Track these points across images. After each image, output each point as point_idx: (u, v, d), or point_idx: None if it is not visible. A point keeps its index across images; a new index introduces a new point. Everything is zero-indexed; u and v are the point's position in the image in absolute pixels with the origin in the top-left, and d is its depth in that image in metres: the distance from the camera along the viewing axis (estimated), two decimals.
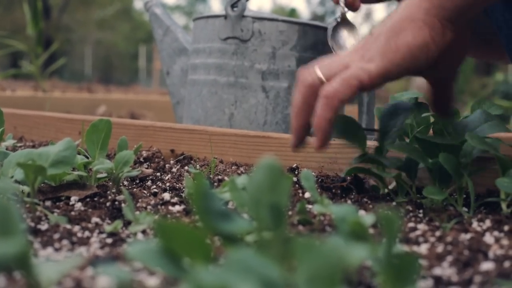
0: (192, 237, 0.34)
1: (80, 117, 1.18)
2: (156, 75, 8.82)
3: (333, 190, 0.74)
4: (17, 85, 4.51)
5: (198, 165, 0.93)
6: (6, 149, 0.88)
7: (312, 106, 0.64)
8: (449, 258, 0.48)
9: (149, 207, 0.65)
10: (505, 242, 0.53)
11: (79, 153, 0.76)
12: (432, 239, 0.54)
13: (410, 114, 0.74)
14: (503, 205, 0.65)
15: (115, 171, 0.72)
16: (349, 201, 0.69)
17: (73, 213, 0.62)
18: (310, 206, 0.65)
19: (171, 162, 0.95)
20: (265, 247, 0.36)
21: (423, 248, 0.51)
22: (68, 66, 18.28)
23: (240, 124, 1.15)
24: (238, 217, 0.40)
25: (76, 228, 0.57)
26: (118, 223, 0.56)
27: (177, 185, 0.77)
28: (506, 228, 0.58)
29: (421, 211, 0.65)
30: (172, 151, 1.02)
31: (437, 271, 0.44)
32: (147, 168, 0.89)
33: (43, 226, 0.56)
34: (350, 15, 1.01)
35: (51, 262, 0.35)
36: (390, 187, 0.74)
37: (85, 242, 0.52)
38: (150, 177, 0.83)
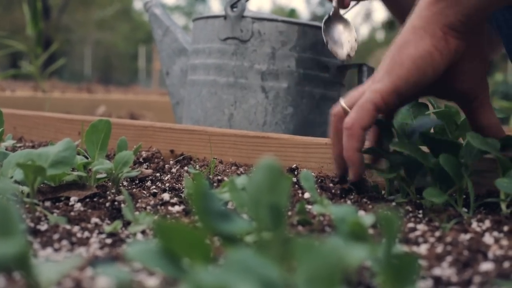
0: (191, 237, 0.34)
1: (80, 117, 1.18)
2: (156, 76, 8.83)
3: (333, 191, 0.74)
4: (16, 85, 4.52)
5: (197, 166, 0.93)
6: (6, 149, 0.88)
7: (341, 133, 0.67)
8: (449, 259, 0.48)
9: (148, 207, 0.65)
10: (504, 242, 0.53)
11: (78, 154, 0.76)
12: (431, 240, 0.54)
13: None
14: (503, 206, 0.65)
15: (115, 171, 0.72)
16: (348, 202, 0.69)
17: (72, 213, 0.62)
18: (309, 207, 0.65)
19: (171, 162, 0.95)
20: (264, 248, 0.36)
21: (422, 249, 0.51)
22: (67, 67, 18.28)
23: (239, 124, 1.15)
24: (237, 218, 0.40)
25: (76, 228, 0.56)
26: (118, 224, 0.56)
27: (177, 185, 0.77)
28: (505, 228, 0.58)
29: (420, 211, 0.65)
30: (172, 151, 1.02)
31: (437, 271, 0.44)
32: (146, 169, 0.89)
33: (43, 227, 0.56)
34: (344, 12, 1.02)
35: (50, 263, 0.35)
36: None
37: (84, 242, 0.52)
38: (150, 178, 0.83)
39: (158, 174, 0.85)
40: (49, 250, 0.50)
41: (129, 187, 0.77)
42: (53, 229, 0.56)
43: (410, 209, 0.66)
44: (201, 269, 0.33)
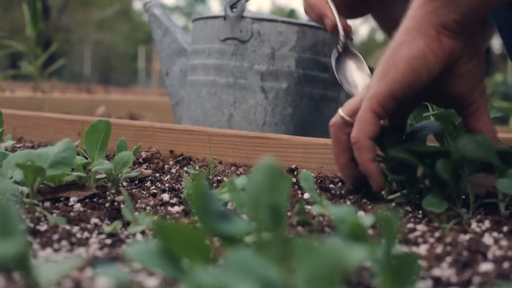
0: (191, 237, 0.34)
1: (79, 117, 1.18)
2: (155, 76, 8.83)
3: (332, 191, 0.74)
4: (16, 85, 4.52)
5: (197, 166, 0.93)
6: (5, 150, 0.88)
7: (343, 143, 0.68)
8: (448, 259, 0.48)
9: (148, 207, 0.65)
10: (504, 243, 0.53)
11: (78, 154, 0.76)
12: (431, 240, 0.54)
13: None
14: (501, 206, 0.65)
15: (114, 171, 0.72)
16: (348, 202, 0.69)
17: (72, 213, 0.62)
18: (309, 207, 0.65)
19: (170, 162, 0.95)
20: (264, 248, 0.36)
21: (422, 249, 0.51)
22: (67, 67, 18.27)
23: (239, 125, 1.15)
24: (237, 218, 0.40)
25: (75, 228, 0.57)
26: (117, 224, 0.56)
27: (176, 185, 0.77)
28: (505, 229, 0.58)
29: (420, 211, 0.65)
30: (171, 152, 1.02)
31: (436, 272, 0.44)
32: (146, 169, 0.89)
33: (42, 227, 0.56)
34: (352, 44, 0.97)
35: (50, 263, 0.35)
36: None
37: (84, 242, 0.52)
38: (149, 178, 0.83)
39: (157, 175, 0.85)
40: (48, 250, 0.49)
41: (129, 188, 0.77)
42: (52, 229, 0.56)
43: (410, 209, 0.66)
44: (201, 269, 0.33)
